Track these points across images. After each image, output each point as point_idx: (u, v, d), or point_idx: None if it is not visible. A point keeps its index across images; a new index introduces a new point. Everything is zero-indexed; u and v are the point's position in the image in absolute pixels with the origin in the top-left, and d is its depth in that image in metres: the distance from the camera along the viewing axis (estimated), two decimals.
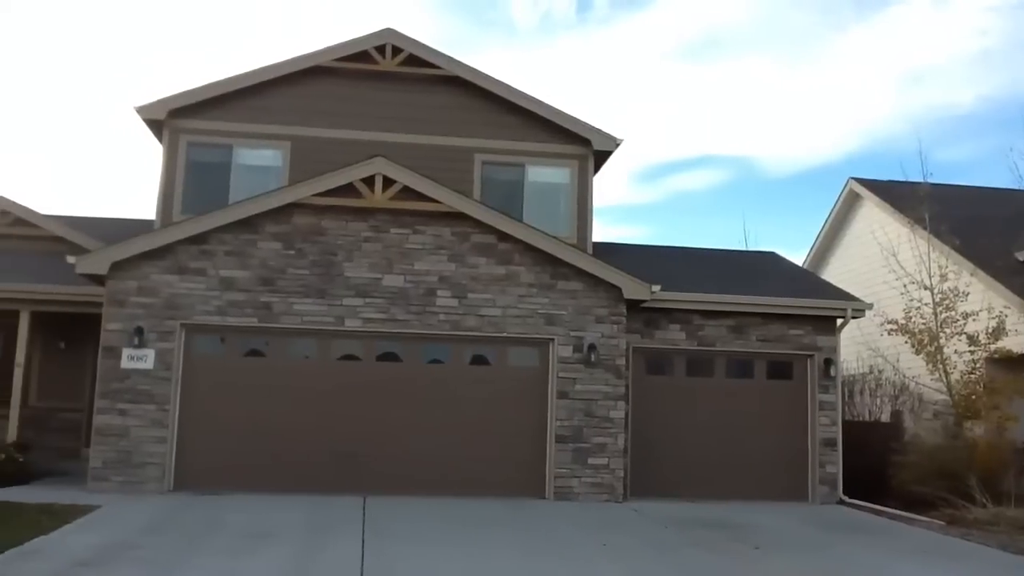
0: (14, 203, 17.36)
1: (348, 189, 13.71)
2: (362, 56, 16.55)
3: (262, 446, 13.30)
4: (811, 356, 15.33)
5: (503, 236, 14.04)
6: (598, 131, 16.71)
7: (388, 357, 14.02)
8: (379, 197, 13.73)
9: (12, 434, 14.62)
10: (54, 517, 10.51)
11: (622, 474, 13.89)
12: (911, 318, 16.87)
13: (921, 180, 17.89)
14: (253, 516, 11.15)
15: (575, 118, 16.72)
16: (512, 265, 14.05)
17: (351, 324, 13.61)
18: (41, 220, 17.40)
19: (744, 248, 25.83)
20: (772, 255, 19.58)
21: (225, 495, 12.60)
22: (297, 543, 9.66)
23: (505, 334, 13.94)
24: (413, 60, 16.64)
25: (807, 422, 15.21)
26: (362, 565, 8.66)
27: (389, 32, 16.58)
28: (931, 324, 16.61)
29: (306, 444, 13.38)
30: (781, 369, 15.51)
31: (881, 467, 15.20)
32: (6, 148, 61.13)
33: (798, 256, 24.28)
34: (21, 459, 13.76)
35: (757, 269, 17.90)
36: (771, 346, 15.29)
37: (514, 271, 14.04)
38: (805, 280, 18.03)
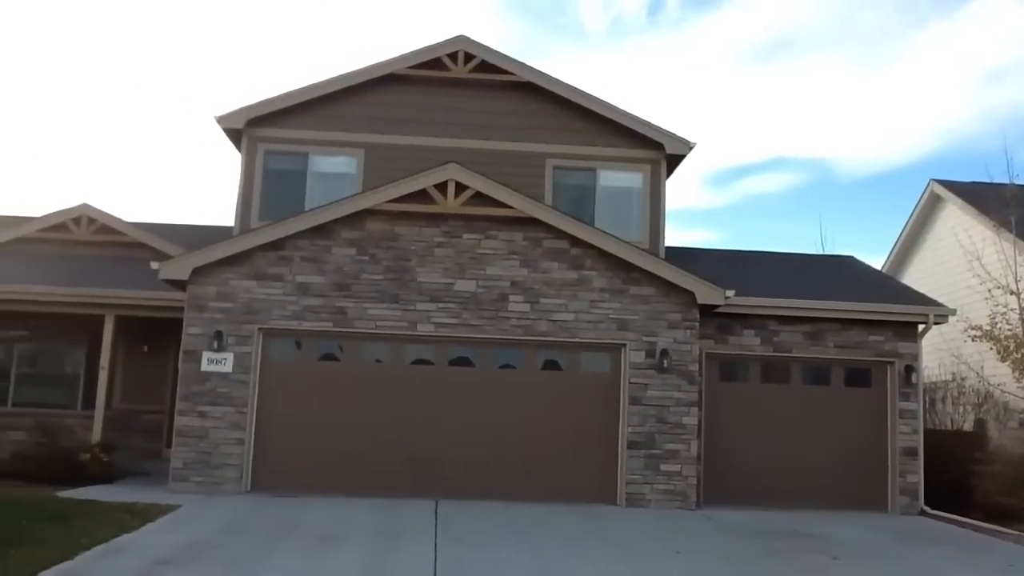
0: (99, 211, 17.94)
1: (421, 195, 13.83)
2: (435, 63, 16.71)
3: (336, 449, 13.48)
4: (891, 363, 14.94)
5: (575, 241, 14.00)
6: (671, 135, 16.57)
7: (460, 362, 14.09)
8: (452, 203, 13.82)
9: (97, 435, 15.07)
10: (137, 516, 10.81)
11: (695, 481, 13.72)
12: (996, 324, 16.33)
13: (1007, 181, 17.33)
14: (327, 518, 11.30)
15: (648, 122, 16.60)
16: (584, 270, 14.00)
17: (424, 329, 13.72)
18: (125, 227, 17.95)
19: (820, 252, 25.30)
20: (850, 259, 19.14)
21: (300, 497, 12.81)
22: (370, 546, 9.76)
23: (577, 339, 13.89)
24: (485, 66, 16.73)
25: (887, 430, 14.82)
26: (435, 570, 8.70)
27: (462, 39, 16.70)
28: (1017, 330, 16.05)
29: (379, 448, 13.52)
30: (859, 376, 15.14)
31: (964, 477, 14.73)
32: (92, 157, 63.21)
33: (876, 260, 23.72)
34: (106, 459, 14.18)
35: (834, 273, 17.52)
36: (849, 352, 14.94)
37: (586, 276, 13.99)
38: (884, 285, 17.57)
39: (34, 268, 16.61)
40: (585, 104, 16.70)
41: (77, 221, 17.90)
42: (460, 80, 16.72)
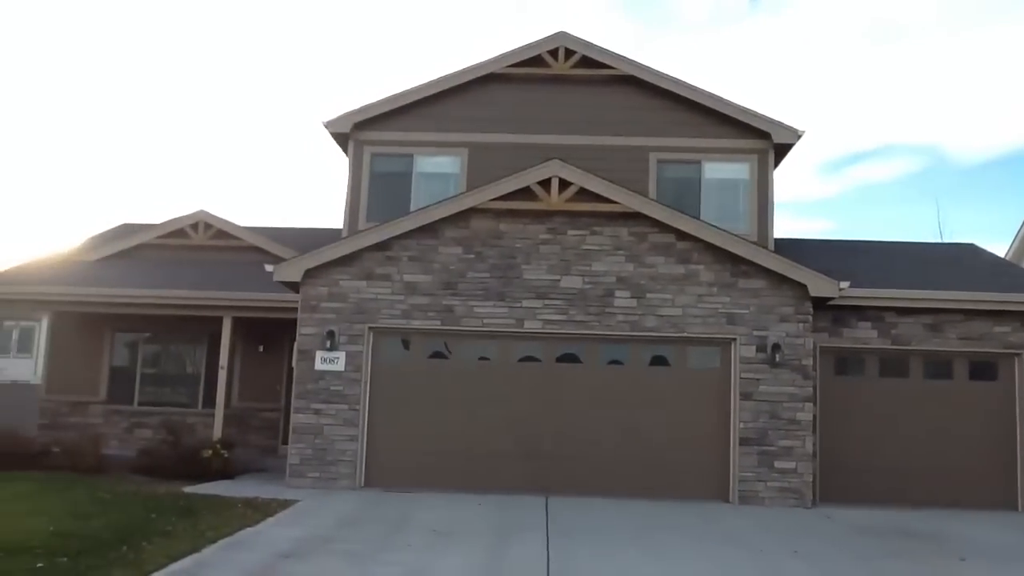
0: (216, 216, 18.63)
1: (525, 192, 13.87)
2: (535, 60, 16.75)
3: (446, 445, 13.66)
4: (1018, 355, 14.25)
5: (681, 235, 13.82)
6: (778, 124, 16.19)
7: (567, 358, 14.07)
8: (556, 199, 13.81)
9: (218, 432, 15.63)
10: (257, 510, 11.16)
11: (810, 478, 13.36)
12: None
13: None
14: (440, 514, 11.44)
15: (754, 112, 16.26)
16: (691, 264, 13.80)
17: (530, 326, 13.76)
18: (240, 231, 18.59)
19: (938, 240, 24.31)
20: (970, 247, 18.35)
21: (412, 492, 13.01)
22: (483, 541, 9.83)
23: (685, 334, 13.70)
24: (586, 62, 16.68)
25: (1015, 425, 14.14)
26: (548, 565, 8.71)
27: (562, 35, 16.69)
28: None
29: (488, 444, 13.63)
30: (984, 369, 14.48)
31: None
32: (208, 165, 65.60)
33: (999, 247, 22.64)
34: (226, 456, 14.67)
35: (954, 262, 16.82)
36: (973, 344, 14.30)
37: (693, 270, 13.79)
38: (1008, 273, 16.76)
39: (156, 273, 17.35)
40: (688, 95, 16.47)
41: (195, 227, 18.63)
42: (561, 76, 16.72)
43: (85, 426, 17.28)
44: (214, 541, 9.18)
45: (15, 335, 34.10)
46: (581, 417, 13.68)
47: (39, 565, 7.67)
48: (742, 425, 13.40)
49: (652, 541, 10.23)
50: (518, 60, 16.74)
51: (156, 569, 7.82)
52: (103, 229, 21.05)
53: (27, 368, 33.56)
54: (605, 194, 13.78)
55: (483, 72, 16.73)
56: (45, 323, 21.31)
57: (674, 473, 13.49)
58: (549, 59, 16.70)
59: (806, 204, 50.46)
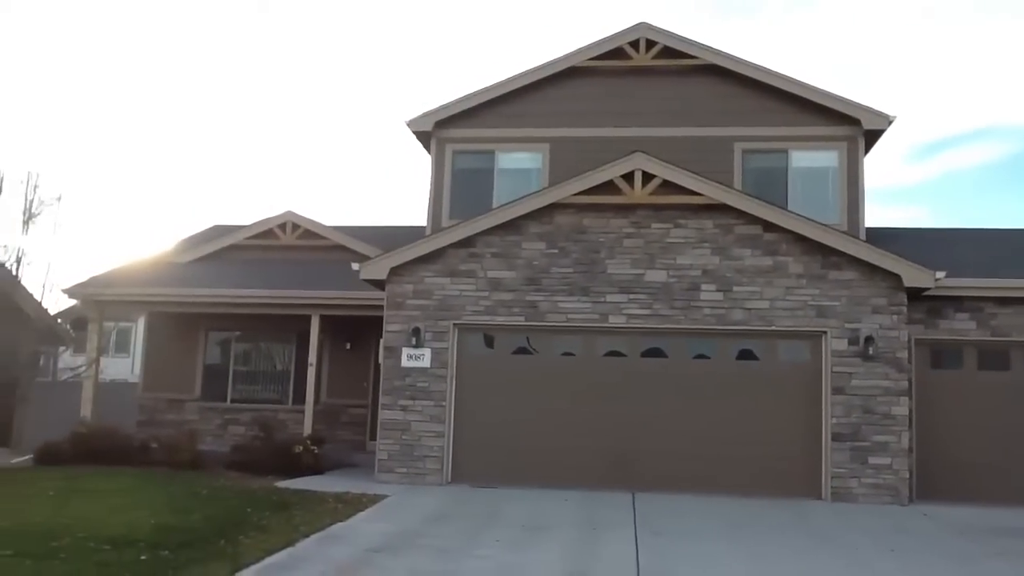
0: (303, 216, 18.99)
1: (608, 186, 13.77)
2: (616, 53, 16.64)
3: (531, 441, 13.66)
4: None
5: (768, 226, 13.54)
6: (868, 109, 15.75)
7: (653, 353, 13.92)
8: (639, 193, 13.68)
9: (308, 428, 15.94)
10: (348, 505, 11.34)
11: (907, 475, 12.96)
12: None
13: None
14: (527, 510, 11.45)
15: (842, 98, 15.85)
16: (779, 256, 13.52)
17: (615, 321, 13.66)
18: (326, 231, 18.92)
19: None
20: None
21: (498, 488, 13.05)
22: (571, 538, 9.80)
23: (773, 327, 13.43)
24: (668, 52, 16.50)
25: None
26: (638, 563, 8.63)
27: (643, 26, 16.54)
28: None
29: (574, 440, 13.58)
30: None
31: None
32: (293, 165, 66.95)
33: None
34: (317, 451, 14.95)
35: None
36: None
37: (781, 262, 13.50)
38: None
39: (246, 273, 17.77)
40: (773, 83, 16.15)
41: (283, 227, 19.02)
42: (642, 68, 16.57)
43: (181, 423, 17.82)
44: (307, 535, 9.35)
45: (113, 335, 35.41)
46: (667, 412, 13.53)
47: (143, 557, 7.92)
48: (834, 420, 13.07)
49: (742, 539, 10.05)
50: (598, 53, 16.65)
51: (253, 562, 8.00)
52: (195, 231, 21.65)
53: (125, 367, 34.79)
54: (689, 186, 13.60)
55: (563, 66, 16.68)
56: (141, 323, 22.05)
57: (763, 469, 13.23)
58: (630, 51, 16.56)
59: (895, 191, 49.02)
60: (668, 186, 13.67)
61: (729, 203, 13.57)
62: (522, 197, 14.18)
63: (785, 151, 16.17)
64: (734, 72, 16.30)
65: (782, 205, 14.55)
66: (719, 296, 13.53)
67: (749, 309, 13.47)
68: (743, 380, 13.62)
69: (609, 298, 13.68)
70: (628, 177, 13.73)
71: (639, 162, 13.70)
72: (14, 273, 14.26)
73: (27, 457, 15.78)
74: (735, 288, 13.52)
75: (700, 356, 13.91)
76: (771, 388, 13.50)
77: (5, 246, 14.07)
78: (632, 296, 13.65)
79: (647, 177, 13.69)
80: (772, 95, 16.20)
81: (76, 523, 9.28)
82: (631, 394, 13.65)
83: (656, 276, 13.66)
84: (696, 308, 13.55)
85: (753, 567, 8.75)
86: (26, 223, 13.98)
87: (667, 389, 13.62)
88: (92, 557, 7.84)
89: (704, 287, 13.57)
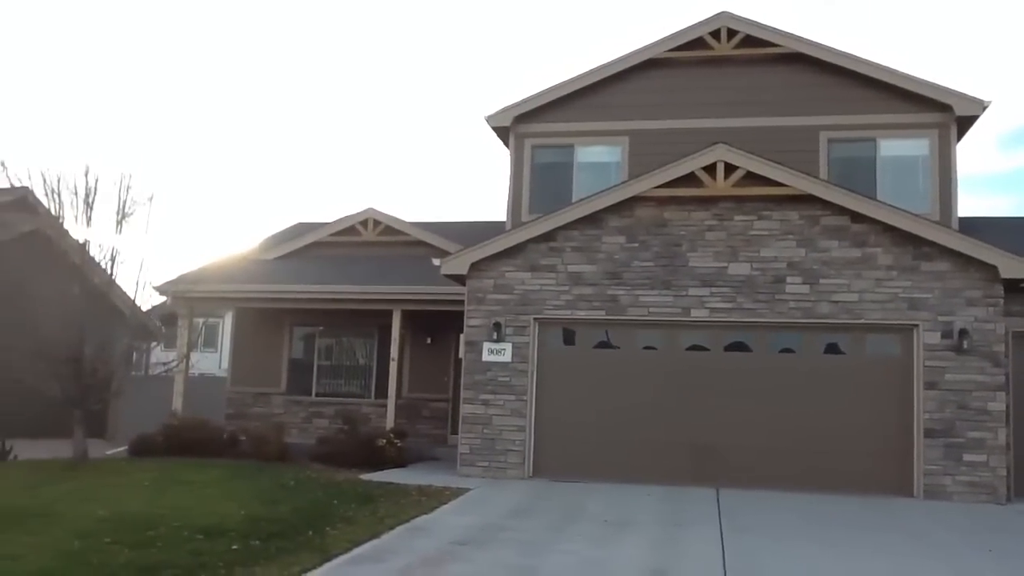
0: (383, 213, 19.23)
1: (689, 179, 13.59)
2: (696, 43, 16.43)
3: (613, 436, 13.58)
4: None
5: (856, 216, 13.19)
6: (961, 95, 15.21)
7: (736, 347, 13.71)
8: (721, 184, 13.46)
9: (390, 422, 16.13)
10: (431, 498, 11.45)
11: (1004, 472, 12.50)
12: None
13: None
14: (609, 505, 11.38)
15: (934, 83, 15.35)
16: (867, 247, 13.15)
17: (697, 314, 13.48)
18: (406, 227, 19.12)
19: None
20: None
21: (580, 483, 13.01)
22: (655, 533, 9.70)
23: (862, 320, 13.08)
24: (749, 41, 16.22)
25: None
26: (723, 560, 8.49)
27: (724, 15, 16.28)
28: None
29: (655, 435, 13.46)
30: None
31: None
32: (373, 162, 67.88)
33: None
34: (399, 445, 15.14)
35: None
36: None
37: (870, 253, 13.14)
38: None
39: (328, 269, 18.08)
40: (859, 70, 15.73)
41: (364, 224, 19.29)
42: (723, 58, 16.33)
43: (267, 416, 18.22)
44: (392, 527, 9.46)
45: (201, 331, 36.41)
46: (751, 407, 13.30)
47: (234, 547, 8.11)
48: (927, 416, 12.68)
49: (832, 537, 9.81)
50: (678, 44, 16.45)
51: (341, 553, 8.12)
52: (279, 229, 22.09)
53: (212, 362, 35.77)
54: (773, 177, 13.33)
55: (642, 58, 16.54)
56: (229, 319, 22.63)
57: (851, 466, 12.90)
58: (711, 40, 16.31)
59: (986, 179, 47.26)
60: (751, 177, 13.42)
61: (815, 194, 13.26)
62: (602, 191, 14.09)
63: (873, 139, 15.74)
64: (818, 59, 15.93)
65: (870, 195, 14.16)
66: (805, 289, 13.24)
67: (836, 302, 13.15)
68: (829, 374, 13.30)
69: (691, 291, 13.51)
70: (710, 169, 13.53)
71: (721, 153, 13.49)
72: (109, 272, 14.72)
73: (122, 448, 16.35)
74: (822, 280, 13.21)
75: (785, 350, 13.64)
76: (859, 383, 13.16)
77: (101, 246, 14.53)
78: (715, 289, 13.45)
79: (729, 168, 13.47)
80: (858, 82, 15.78)
81: (170, 513, 9.56)
82: (714, 388, 13.45)
83: (739, 269, 13.43)
84: (781, 301, 13.28)
85: (844, 566, 8.53)
86: (119, 223, 14.41)
87: (751, 383, 13.39)
88: (186, 546, 8.06)
89: (789, 280, 13.29)
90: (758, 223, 13.48)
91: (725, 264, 13.48)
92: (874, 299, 13.05)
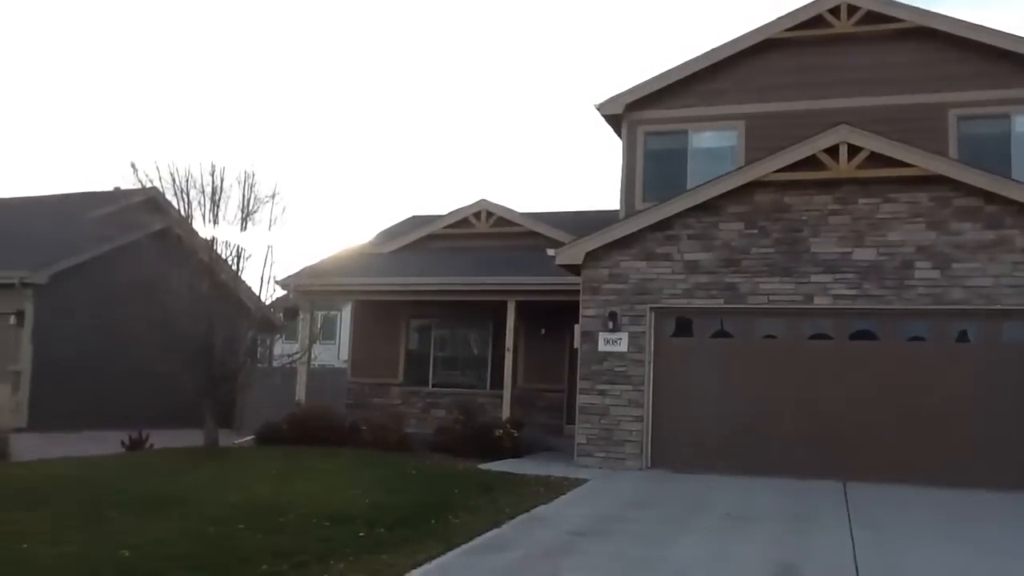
0: (495, 204, 19.34)
1: (809, 162, 13.18)
2: (814, 22, 15.94)
3: (732, 427, 13.32)
4: None
5: (989, 197, 12.53)
6: None
7: (862, 335, 13.24)
8: (844, 167, 13.00)
9: (506, 412, 16.23)
10: (549, 488, 11.43)
11: None
12: None
13: None
14: (730, 497, 11.15)
15: None
16: (1003, 229, 12.49)
17: (820, 302, 13.07)
18: (518, 218, 19.18)
19: None
20: None
21: (700, 475, 12.80)
22: (780, 528, 9.43)
23: (999, 306, 12.43)
24: (871, 17, 15.61)
25: None
26: (855, 556, 8.19)
27: None
28: None
29: (777, 426, 13.13)
30: None
31: None
32: (484, 154, 68.49)
33: None
34: (516, 435, 15.21)
35: None
36: None
37: (1006, 235, 12.46)
38: None
39: (443, 261, 18.31)
40: (991, 42, 14.95)
41: (477, 216, 19.45)
42: (844, 35, 15.77)
43: (386, 406, 18.59)
44: (512, 517, 9.48)
45: (320, 323, 37.48)
46: (878, 397, 12.82)
47: (360, 534, 8.27)
48: None
49: (968, 533, 9.36)
50: (796, 23, 15.97)
51: (463, 541, 8.19)
52: (394, 222, 22.49)
53: (331, 354, 36.76)
54: (900, 157, 12.79)
55: (758, 39, 16.11)
56: (347, 311, 23.17)
57: (987, 460, 12.29)
58: (830, 18, 15.77)
59: None
60: (876, 158, 12.91)
61: (946, 174, 12.66)
62: (718, 177, 13.80)
63: (1007, 116, 14.93)
64: (946, 33, 15.21)
65: (1005, 174, 13.43)
66: (935, 274, 12.67)
67: (969, 287, 12.53)
68: (963, 363, 12.72)
69: (813, 278, 13.10)
70: (832, 151, 13.07)
71: (844, 134, 13.01)
72: (235, 268, 15.24)
73: (249, 437, 16.95)
74: (953, 265, 12.61)
75: (914, 338, 13.12)
76: (995, 372, 12.52)
77: (227, 243, 15.05)
78: (838, 276, 13.01)
79: (853, 150, 12.98)
80: (989, 55, 14.99)
81: (298, 499, 9.83)
82: (838, 378, 13.03)
83: (864, 254, 12.94)
84: (909, 287, 12.75)
85: (987, 565, 8.11)
86: (244, 220, 14.90)
87: (878, 373, 12.91)
88: (315, 532, 8.27)
89: (918, 264, 12.74)
90: (884, 206, 12.96)
91: (849, 249, 13.02)
92: (1012, 283, 12.38)
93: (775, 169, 13.27)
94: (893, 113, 15.02)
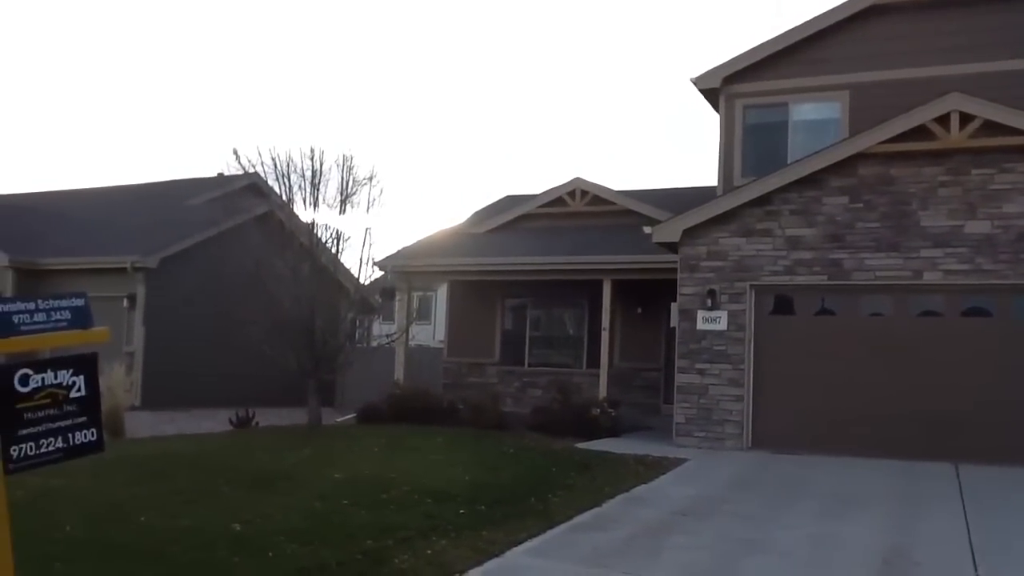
0: (590, 183, 19.20)
1: (917, 132, 12.67)
2: None
3: (836, 407, 12.96)
4: None
5: None
6: None
7: (974, 312, 12.72)
8: (955, 136, 12.45)
9: (603, 392, 16.16)
10: (649, 468, 11.35)
11: None
12: None
13: None
14: (834, 479, 10.88)
15: None
16: None
17: (930, 277, 12.59)
18: (613, 196, 19.00)
19: None
20: None
21: (801, 455, 12.52)
22: (888, 510, 9.16)
23: None
24: None
25: None
26: (970, 540, 7.89)
27: None
28: None
29: (883, 406, 12.72)
30: None
31: None
32: (580, 133, 68.20)
33: None
34: (613, 414, 15.14)
35: None
36: None
37: None
38: None
39: (537, 240, 18.28)
40: None
41: (571, 194, 19.34)
42: None
43: (482, 385, 18.72)
44: (612, 496, 9.45)
45: (416, 303, 37.92)
46: (993, 377, 12.29)
47: (462, 511, 8.36)
48: None
49: None
50: None
51: (563, 520, 8.19)
52: (489, 202, 22.56)
53: (427, 333, 37.18)
54: (1016, 125, 12.17)
55: (862, 5, 15.51)
56: (443, 291, 23.39)
57: None
58: None
59: None
60: (990, 127, 12.32)
61: None
62: (821, 150, 13.39)
63: None
64: None
65: None
66: None
67: None
68: None
69: (923, 253, 12.61)
70: (942, 120, 12.53)
71: (955, 102, 12.45)
72: (335, 250, 15.52)
73: (350, 416, 17.31)
74: None
75: None
76: None
77: (327, 225, 15.32)
78: (949, 250, 12.49)
79: (965, 119, 12.42)
80: None
81: (400, 477, 9.98)
82: (949, 357, 12.54)
83: (978, 227, 12.39)
84: None
85: None
86: (343, 203, 15.13)
87: (992, 351, 12.38)
88: (418, 508, 8.39)
89: None
90: (999, 176, 12.37)
91: (961, 223, 12.49)
92: None
93: (881, 140, 12.79)
94: (1008, 79, 14.29)
